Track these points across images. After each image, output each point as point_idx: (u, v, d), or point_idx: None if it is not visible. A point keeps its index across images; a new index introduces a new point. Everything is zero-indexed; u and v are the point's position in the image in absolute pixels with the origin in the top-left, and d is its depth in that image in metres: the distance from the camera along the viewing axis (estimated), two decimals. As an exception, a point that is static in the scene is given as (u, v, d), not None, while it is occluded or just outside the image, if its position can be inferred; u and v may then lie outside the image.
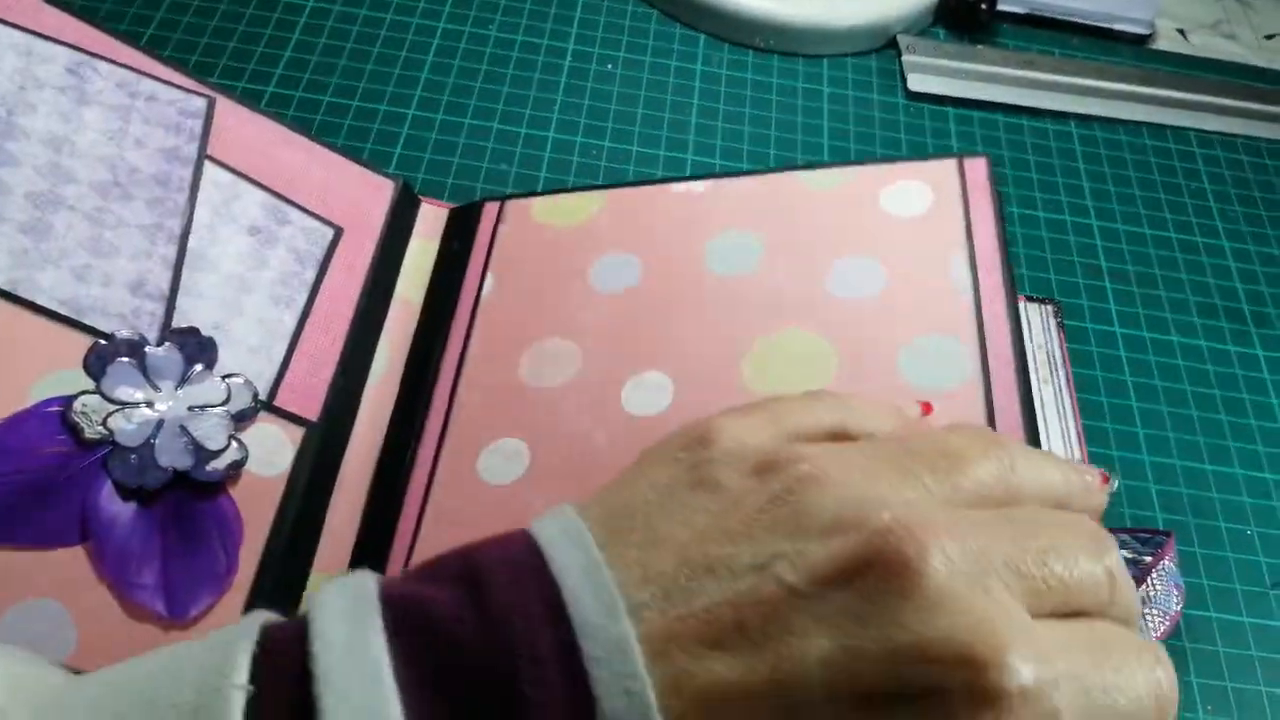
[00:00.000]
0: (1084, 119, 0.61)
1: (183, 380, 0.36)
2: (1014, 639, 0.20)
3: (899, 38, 0.62)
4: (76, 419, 0.34)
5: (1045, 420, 0.42)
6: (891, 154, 0.57)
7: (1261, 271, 0.56)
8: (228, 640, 0.21)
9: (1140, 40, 0.67)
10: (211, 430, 0.36)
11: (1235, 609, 0.43)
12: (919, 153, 0.57)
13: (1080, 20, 0.65)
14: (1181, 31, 0.68)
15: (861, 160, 0.56)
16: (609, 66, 0.62)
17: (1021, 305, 0.45)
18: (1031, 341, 0.45)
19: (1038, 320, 0.46)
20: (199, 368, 0.37)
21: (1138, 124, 0.61)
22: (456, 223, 0.46)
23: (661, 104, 0.60)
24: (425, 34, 0.63)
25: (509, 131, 0.57)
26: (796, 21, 0.61)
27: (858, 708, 0.20)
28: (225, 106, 0.43)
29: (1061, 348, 0.45)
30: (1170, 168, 0.60)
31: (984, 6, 0.62)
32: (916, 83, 0.59)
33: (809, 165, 0.49)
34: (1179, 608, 0.37)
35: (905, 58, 0.60)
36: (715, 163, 0.57)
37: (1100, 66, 0.63)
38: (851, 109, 0.60)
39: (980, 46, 0.62)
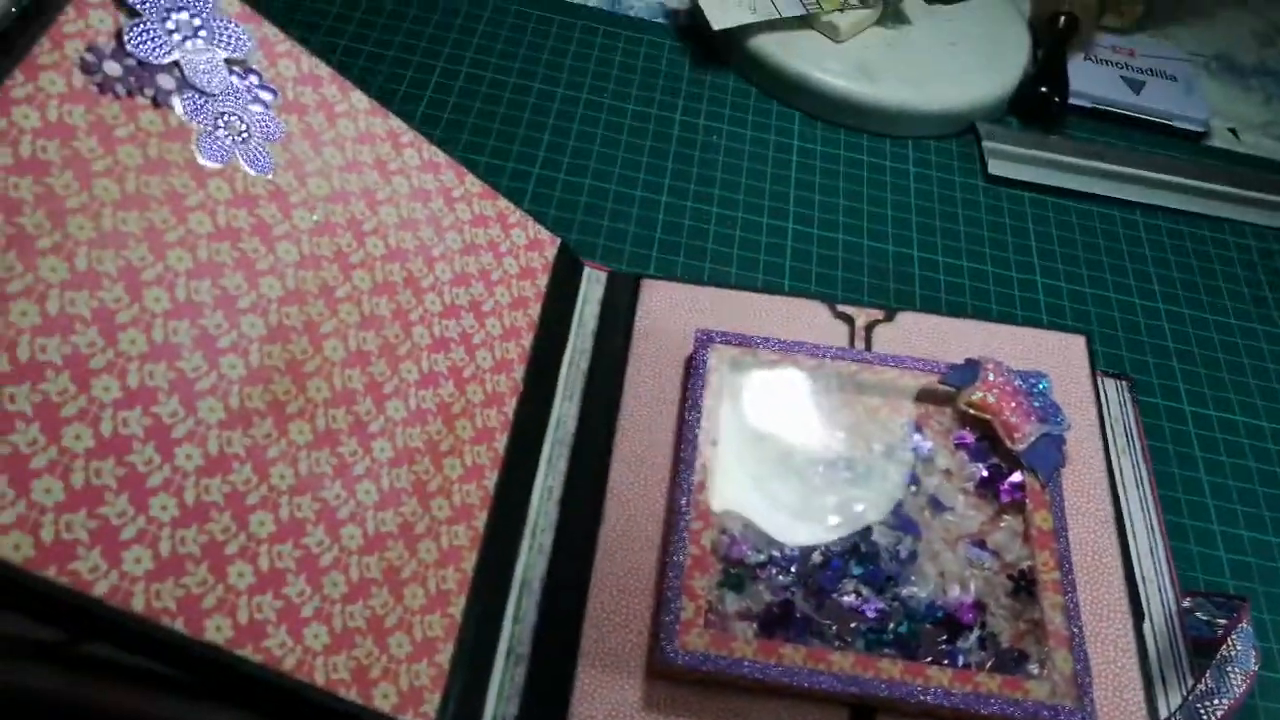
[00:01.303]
0: (1149, 209, 0.65)
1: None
2: None
3: (978, 125, 0.66)
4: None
5: (1124, 488, 0.46)
6: (974, 232, 0.62)
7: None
8: None
9: (1196, 137, 0.72)
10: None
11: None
12: (998, 232, 0.62)
13: (1142, 116, 0.71)
14: (1233, 131, 0.74)
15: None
16: (714, 138, 0.66)
17: (1099, 380, 0.48)
18: (1109, 415, 0.48)
19: (1114, 394, 0.49)
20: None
21: (1196, 215, 0.66)
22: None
23: (763, 175, 0.65)
24: (543, 98, 0.67)
25: (625, 194, 0.62)
26: (885, 105, 0.66)
27: None
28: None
29: (1137, 422, 0.48)
30: (1228, 258, 0.64)
31: (1056, 100, 0.67)
32: (996, 167, 0.64)
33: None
34: (1256, 667, 0.40)
35: (985, 143, 0.65)
36: (813, 232, 0.61)
37: (1162, 160, 0.68)
38: (935, 189, 0.65)
39: (1052, 136, 0.67)
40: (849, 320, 0.50)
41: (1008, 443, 0.44)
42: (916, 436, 0.45)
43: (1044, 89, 0.68)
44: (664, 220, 0.61)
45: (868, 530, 0.42)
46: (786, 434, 0.45)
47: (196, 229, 0.38)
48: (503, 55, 0.71)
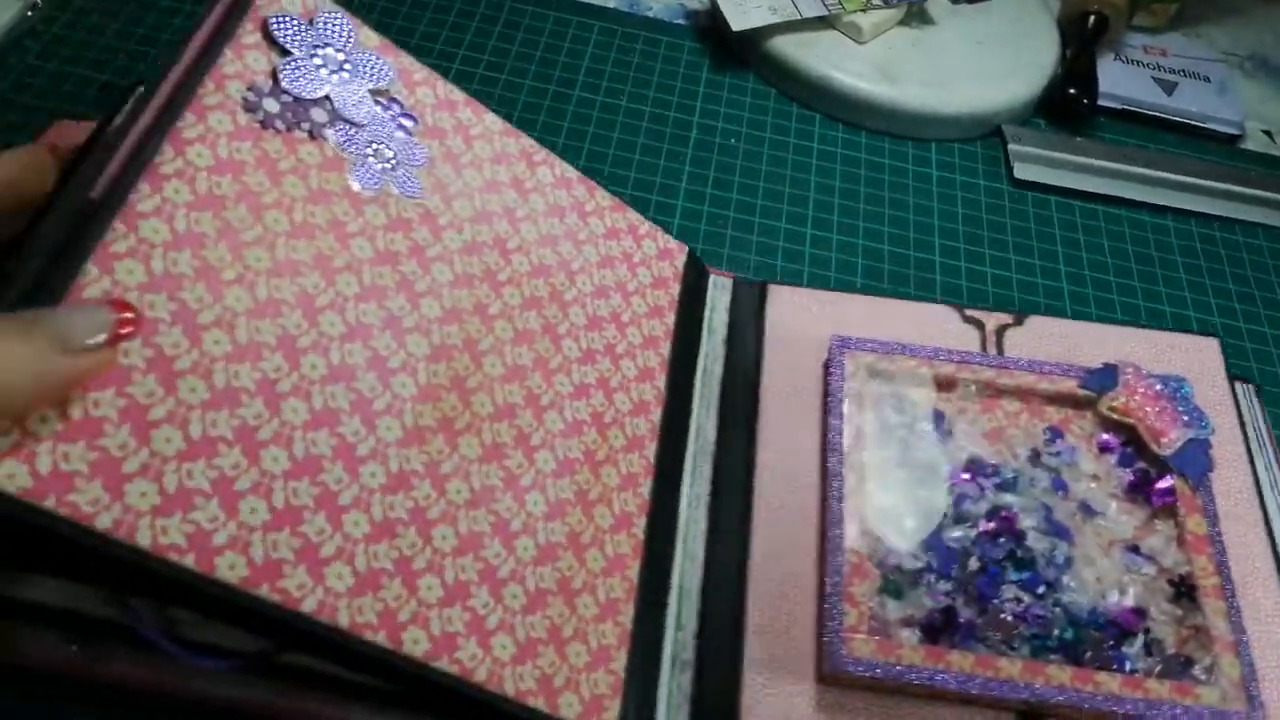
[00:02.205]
0: (1180, 213, 0.66)
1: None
2: None
3: (1004, 127, 0.68)
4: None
5: (1269, 491, 0.48)
6: (998, 237, 0.63)
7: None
8: None
9: (1230, 140, 0.72)
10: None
11: None
12: (1024, 237, 0.64)
13: (1174, 118, 0.72)
14: (1269, 133, 0.73)
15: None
16: (732, 141, 0.67)
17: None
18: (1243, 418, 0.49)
19: (1242, 398, 0.51)
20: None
21: (1230, 220, 0.66)
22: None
23: (782, 178, 0.65)
24: (559, 100, 0.67)
25: (640, 198, 0.62)
26: (907, 107, 0.67)
27: None
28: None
29: (1266, 425, 0.50)
30: (1262, 264, 0.65)
31: (1085, 101, 0.68)
32: (1022, 171, 0.66)
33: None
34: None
35: (1011, 146, 0.67)
36: (832, 237, 0.62)
37: (1194, 164, 0.69)
38: (959, 193, 0.66)
39: (1080, 139, 0.69)
40: (979, 325, 0.52)
41: (1154, 447, 0.46)
42: (1059, 442, 0.47)
43: (1072, 90, 0.69)
44: (679, 225, 0.61)
45: (1022, 535, 0.43)
46: (930, 440, 0.46)
47: (359, 254, 0.38)
48: (519, 57, 0.70)
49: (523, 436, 0.40)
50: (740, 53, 0.72)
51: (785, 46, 0.69)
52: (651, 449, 0.44)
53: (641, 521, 0.42)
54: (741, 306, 0.52)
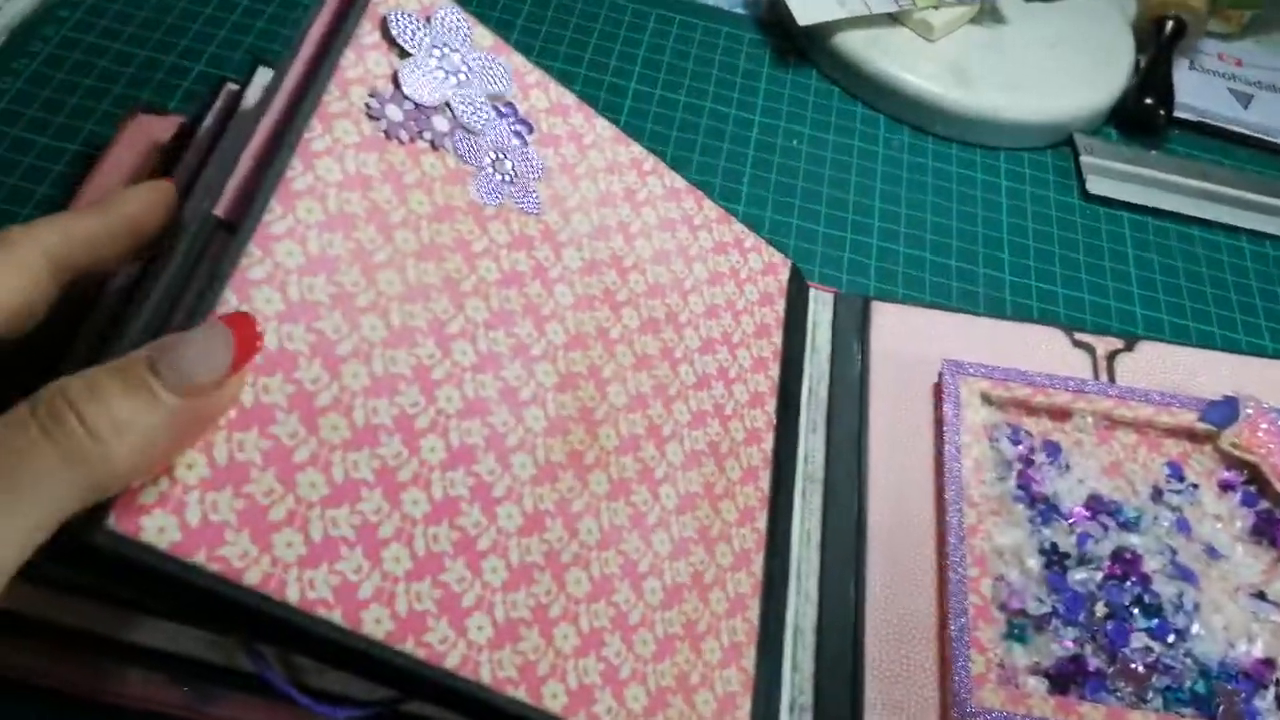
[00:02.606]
0: (1255, 235, 0.64)
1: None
2: None
3: (1076, 138, 0.66)
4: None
5: None
6: (1069, 255, 0.61)
7: None
8: None
9: None
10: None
11: None
12: (1096, 255, 0.61)
13: (1250, 134, 0.69)
14: None
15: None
16: (794, 142, 0.65)
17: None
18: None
19: None
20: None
21: None
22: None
23: (846, 184, 0.63)
24: (615, 92, 0.64)
25: None
26: (979, 113, 0.65)
27: None
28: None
29: None
30: None
31: (1161, 113, 0.66)
32: (1095, 185, 0.64)
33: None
34: None
35: (1084, 158, 0.65)
36: (899, 249, 0.60)
37: (1272, 184, 0.66)
38: (1029, 205, 0.64)
39: (1154, 153, 0.66)
40: (1089, 350, 0.50)
41: (1278, 487, 0.44)
42: (1178, 479, 0.46)
43: (1149, 100, 0.66)
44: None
45: (1148, 579, 0.42)
46: (1049, 474, 0.45)
47: (486, 276, 0.36)
48: (573, 44, 0.67)
49: (647, 471, 0.38)
50: (803, 47, 0.69)
51: (852, 43, 0.66)
52: (766, 479, 0.42)
53: (759, 558, 0.40)
54: (843, 323, 0.50)
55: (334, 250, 0.31)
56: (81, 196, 0.48)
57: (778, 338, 0.46)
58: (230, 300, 0.28)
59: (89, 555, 0.24)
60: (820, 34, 0.67)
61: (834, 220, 0.60)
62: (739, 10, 0.72)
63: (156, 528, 0.25)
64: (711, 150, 0.62)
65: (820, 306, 0.50)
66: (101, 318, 0.34)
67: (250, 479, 0.27)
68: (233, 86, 0.45)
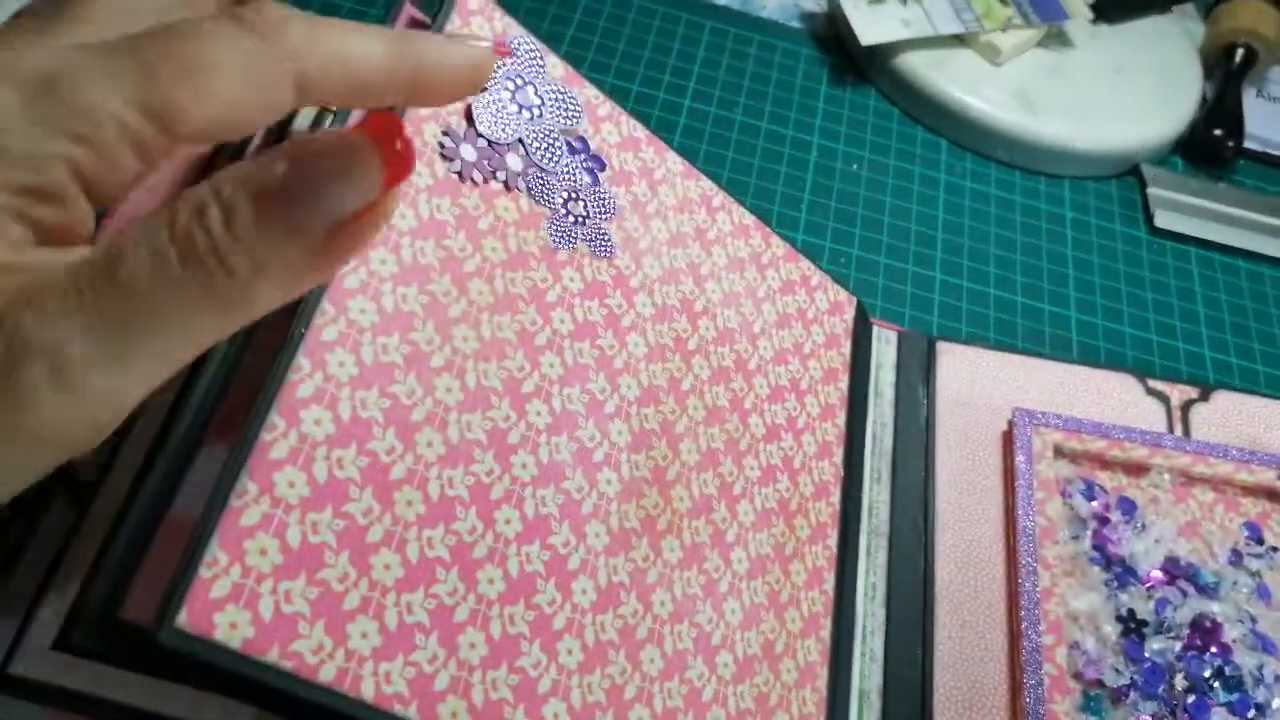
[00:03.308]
0: None
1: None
2: None
3: (1143, 168, 0.64)
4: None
5: None
6: (1135, 292, 0.59)
7: None
8: None
9: None
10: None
11: None
12: (1162, 292, 0.59)
13: None
14: None
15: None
16: (854, 166, 0.62)
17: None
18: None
19: None
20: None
21: None
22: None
23: (907, 212, 0.60)
24: (669, 110, 0.62)
25: None
26: (1045, 140, 0.62)
27: None
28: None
29: None
30: None
31: (1230, 145, 0.64)
32: (1163, 219, 0.61)
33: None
34: None
35: (1151, 190, 0.63)
36: (962, 284, 0.57)
37: None
38: (1095, 238, 0.61)
39: (1222, 185, 0.64)
40: (1163, 399, 0.48)
41: None
42: (1257, 542, 0.43)
43: (1218, 131, 0.64)
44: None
45: (1228, 649, 0.40)
46: (1125, 534, 0.43)
47: (560, 328, 0.34)
48: (626, 57, 0.65)
49: (719, 534, 0.36)
50: (863, 66, 0.67)
51: (915, 64, 0.64)
52: (834, 537, 0.40)
53: (828, 622, 0.39)
54: (907, 365, 0.47)
55: (408, 305, 0.29)
56: (116, 214, 0.46)
57: (844, 383, 0.44)
58: (304, 365, 0.27)
59: (160, 656, 0.22)
60: (882, 54, 0.65)
61: (895, 251, 0.58)
62: (795, 24, 0.69)
63: (229, 624, 0.23)
64: (769, 174, 0.60)
65: (884, 345, 0.48)
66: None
67: (324, 563, 0.25)
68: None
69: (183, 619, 0.22)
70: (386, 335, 0.29)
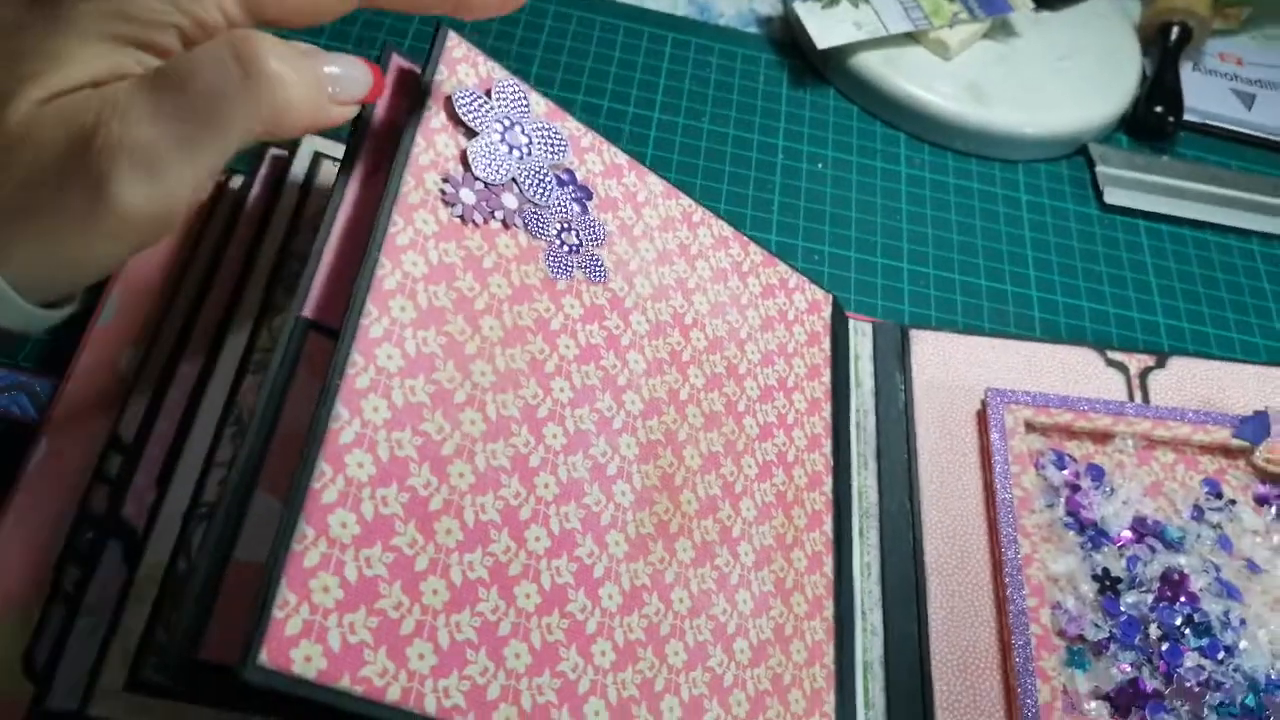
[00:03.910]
0: (1265, 237, 0.65)
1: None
2: None
3: (1091, 147, 0.66)
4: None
5: None
6: (1092, 268, 0.62)
7: None
8: None
9: None
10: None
11: None
12: (1115, 265, 0.62)
13: (1255, 134, 0.70)
14: None
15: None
16: (819, 165, 0.65)
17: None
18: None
19: None
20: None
21: None
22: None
23: (872, 206, 0.63)
24: (639, 124, 0.64)
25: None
26: (997, 128, 0.65)
27: None
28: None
29: None
30: None
31: (1171, 120, 0.66)
32: (1112, 195, 0.64)
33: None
34: None
35: (1099, 169, 0.65)
36: (929, 272, 0.60)
37: (1278, 184, 0.66)
38: (1049, 218, 0.64)
39: (1165, 158, 0.67)
40: (1122, 369, 0.51)
41: None
42: (1216, 496, 0.46)
43: (1159, 108, 0.67)
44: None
45: (1195, 598, 0.43)
46: (1096, 499, 0.45)
47: (565, 354, 0.36)
48: (595, 74, 0.66)
49: (726, 530, 0.38)
50: (820, 67, 0.69)
51: (870, 63, 0.66)
52: (829, 522, 0.43)
53: (830, 603, 0.41)
54: (883, 354, 0.50)
55: (429, 348, 0.32)
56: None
57: (827, 376, 0.47)
58: (343, 413, 0.29)
59: (243, 691, 0.24)
60: (838, 55, 0.67)
61: (864, 245, 0.61)
62: (752, 29, 0.71)
63: (304, 657, 0.25)
64: (739, 179, 0.63)
65: (860, 337, 0.50)
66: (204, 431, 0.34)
67: (380, 594, 0.27)
68: (278, 153, 0.45)
69: (264, 657, 0.24)
70: (413, 378, 0.31)
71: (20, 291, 0.27)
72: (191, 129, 0.26)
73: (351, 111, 0.32)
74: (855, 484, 0.46)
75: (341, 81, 0.30)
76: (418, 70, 0.37)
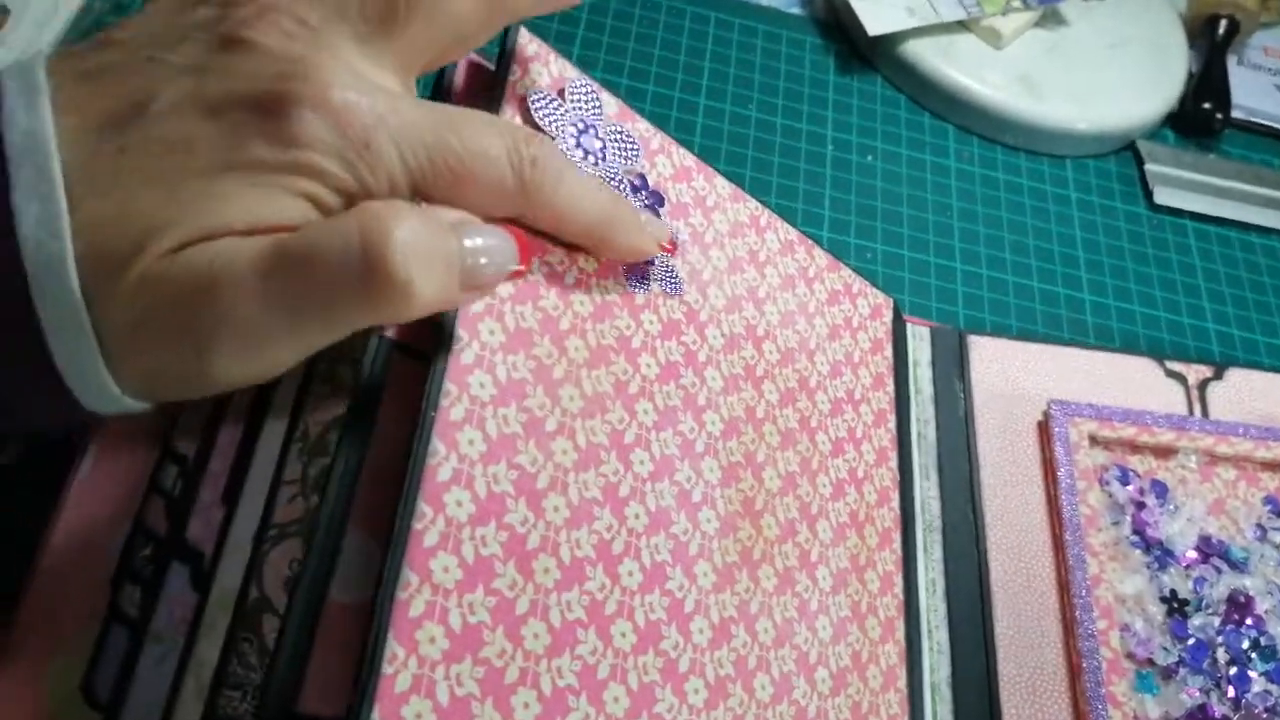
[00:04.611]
0: None
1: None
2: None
3: (1139, 144, 0.65)
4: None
5: None
6: (1142, 269, 0.60)
7: None
8: None
9: None
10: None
11: None
12: (1165, 268, 0.61)
13: None
14: None
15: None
16: (869, 158, 0.63)
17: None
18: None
19: None
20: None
21: None
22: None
23: (923, 203, 0.61)
24: (685, 110, 0.62)
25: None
26: (1047, 123, 0.63)
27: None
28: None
29: None
30: None
31: (1219, 117, 0.65)
32: (1162, 195, 0.62)
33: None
34: None
35: (1148, 167, 0.64)
36: (982, 273, 0.58)
37: None
38: (1099, 218, 0.62)
39: (1212, 156, 0.65)
40: (1181, 379, 0.49)
41: None
42: (1278, 515, 0.45)
43: (1206, 104, 0.65)
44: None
45: (1261, 621, 0.42)
46: (1161, 516, 0.44)
47: (647, 373, 0.34)
48: (636, 56, 0.64)
49: (805, 555, 0.37)
50: (867, 52, 0.67)
51: (921, 51, 0.64)
52: (898, 539, 0.42)
53: (900, 624, 0.40)
54: (942, 361, 0.48)
55: (519, 373, 0.30)
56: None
57: (890, 386, 0.45)
58: (439, 448, 0.27)
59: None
60: (887, 41, 0.65)
61: (917, 243, 0.59)
62: (795, 10, 0.69)
63: (414, 714, 0.24)
64: (789, 171, 0.61)
65: (918, 343, 0.49)
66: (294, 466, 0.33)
67: (484, 641, 0.26)
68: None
69: (375, 716, 0.23)
70: (505, 406, 0.29)
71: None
72: (299, 321, 0.24)
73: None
74: (918, 496, 0.44)
75: (483, 256, 0.26)
76: (486, 64, 0.35)
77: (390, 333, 0.30)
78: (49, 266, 0.23)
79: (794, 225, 0.44)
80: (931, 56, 0.64)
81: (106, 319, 0.24)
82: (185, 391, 0.26)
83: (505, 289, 0.31)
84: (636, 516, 0.31)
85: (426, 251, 0.24)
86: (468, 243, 0.25)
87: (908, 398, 0.46)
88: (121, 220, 0.23)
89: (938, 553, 0.43)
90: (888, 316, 0.47)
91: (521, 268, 0.28)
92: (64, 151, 0.23)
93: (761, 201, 0.43)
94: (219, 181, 0.24)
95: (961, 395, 0.48)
